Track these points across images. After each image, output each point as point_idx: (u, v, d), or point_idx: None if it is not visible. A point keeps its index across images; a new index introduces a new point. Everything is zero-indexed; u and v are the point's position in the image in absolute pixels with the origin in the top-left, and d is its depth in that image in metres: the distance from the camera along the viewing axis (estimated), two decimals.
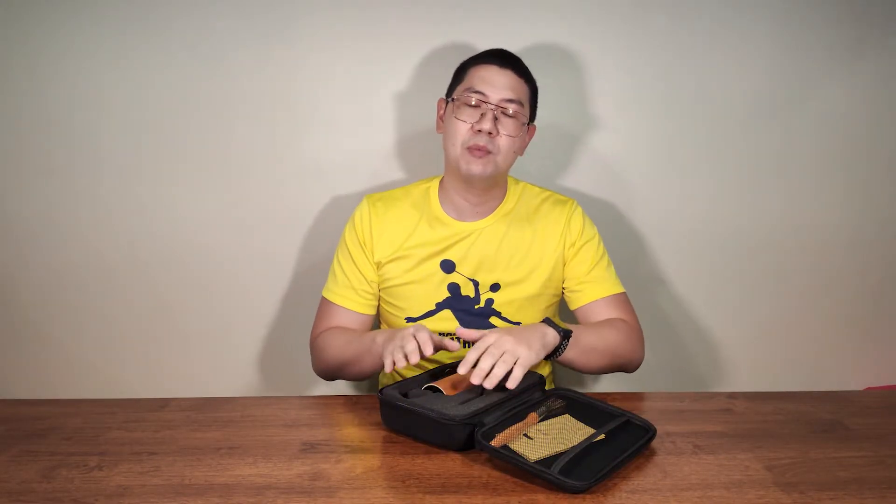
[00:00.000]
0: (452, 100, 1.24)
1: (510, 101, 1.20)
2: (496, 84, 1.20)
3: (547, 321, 1.11)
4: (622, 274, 1.34)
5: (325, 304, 1.32)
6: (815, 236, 1.63)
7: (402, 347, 1.01)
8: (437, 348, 1.05)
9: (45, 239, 1.59)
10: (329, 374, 1.27)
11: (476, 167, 1.20)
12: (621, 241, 1.58)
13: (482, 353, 1.00)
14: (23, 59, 1.50)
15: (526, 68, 1.26)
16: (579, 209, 1.33)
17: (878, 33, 1.54)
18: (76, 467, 0.90)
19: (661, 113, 1.56)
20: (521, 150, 1.27)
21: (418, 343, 1.02)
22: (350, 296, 1.29)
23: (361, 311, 1.30)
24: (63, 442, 0.98)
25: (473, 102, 1.20)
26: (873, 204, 1.62)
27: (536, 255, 1.28)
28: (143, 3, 1.48)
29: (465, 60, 1.28)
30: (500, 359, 0.99)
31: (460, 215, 1.29)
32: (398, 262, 1.28)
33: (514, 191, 1.33)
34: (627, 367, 1.25)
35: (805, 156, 1.59)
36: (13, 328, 1.64)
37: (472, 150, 1.19)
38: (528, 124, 1.26)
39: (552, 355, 1.09)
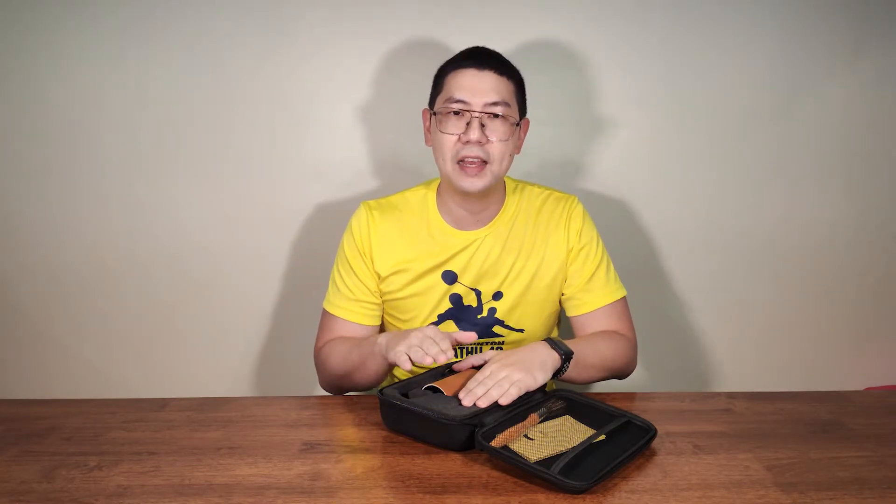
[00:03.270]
0: (434, 113, 1.19)
1: (495, 103, 1.14)
2: (477, 88, 1.14)
3: (549, 341, 1.09)
4: (623, 273, 1.34)
5: (327, 317, 1.28)
6: (815, 236, 1.63)
7: (422, 347, 1.01)
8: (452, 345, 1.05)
9: (45, 239, 1.59)
10: (335, 386, 1.23)
11: (471, 183, 1.16)
12: (622, 241, 1.58)
13: (478, 384, 1.00)
14: (23, 59, 1.50)
15: (507, 63, 1.18)
16: (579, 207, 1.29)
17: (878, 33, 1.54)
18: (76, 467, 0.90)
19: (660, 113, 1.56)
20: (517, 149, 1.23)
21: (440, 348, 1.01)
22: (353, 308, 1.26)
23: (366, 322, 1.27)
24: (63, 442, 0.98)
25: (456, 112, 1.14)
26: (873, 204, 1.63)
27: (538, 259, 1.26)
28: (142, 4, 1.48)
29: (441, 66, 1.22)
30: (495, 384, 0.99)
31: (460, 224, 1.26)
32: (399, 276, 1.25)
33: (513, 195, 1.29)
34: (620, 376, 1.24)
35: (805, 156, 1.60)
36: (13, 328, 1.64)
37: (465, 165, 1.15)
38: (519, 122, 1.20)
39: (554, 376, 1.07)
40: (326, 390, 1.27)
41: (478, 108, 1.14)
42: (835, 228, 1.63)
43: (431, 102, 1.23)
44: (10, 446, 0.97)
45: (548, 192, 1.31)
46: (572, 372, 1.10)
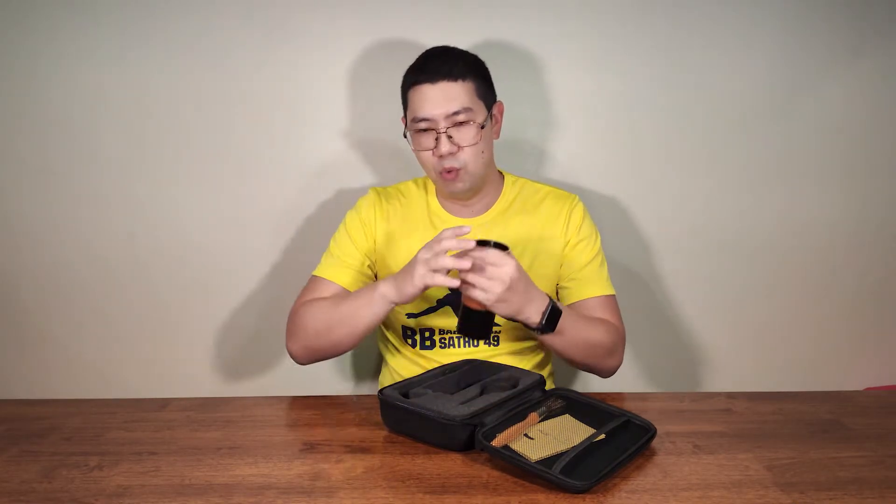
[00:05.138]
0: (407, 134, 1.23)
1: (456, 113, 1.16)
2: (435, 103, 1.16)
3: (551, 302, 1.09)
4: (622, 273, 1.34)
5: (313, 279, 1.29)
6: (814, 236, 1.63)
7: (435, 265, 1.03)
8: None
9: (45, 239, 1.59)
10: (309, 346, 1.21)
11: (454, 187, 1.21)
12: (621, 241, 1.58)
13: (479, 274, 1.02)
14: (23, 59, 1.50)
15: (458, 61, 1.18)
16: (581, 205, 1.31)
17: (878, 33, 1.54)
18: (76, 467, 0.90)
19: (660, 113, 1.56)
20: (496, 135, 1.27)
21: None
22: (342, 271, 1.27)
23: (350, 287, 1.26)
24: (63, 442, 0.98)
25: (424, 129, 1.18)
26: (873, 204, 1.62)
27: (535, 250, 1.28)
28: (143, 3, 1.48)
29: (402, 79, 1.23)
30: (482, 281, 1.01)
31: (459, 213, 1.30)
32: (401, 260, 1.27)
33: (511, 187, 1.32)
34: (601, 370, 1.23)
35: (805, 156, 1.60)
36: (13, 328, 1.64)
37: (445, 174, 1.19)
38: (489, 114, 1.22)
39: (531, 328, 1.09)
40: (294, 354, 1.23)
41: (441, 123, 1.16)
42: (835, 228, 1.63)
43: (404, 116, 1.26)
44: (10, 446, 0.97)
45: (549, 189, 1.34)
46: (554, 340, 1.11)
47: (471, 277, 1.02)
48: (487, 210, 1.30)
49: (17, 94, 1.52)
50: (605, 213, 1.57)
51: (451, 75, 1.17)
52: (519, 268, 1.04)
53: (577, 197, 1.33)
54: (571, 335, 1.13)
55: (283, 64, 1.52)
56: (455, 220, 1.29)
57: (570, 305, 1.28)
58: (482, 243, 1.04)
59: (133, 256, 1.60)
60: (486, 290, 1.02)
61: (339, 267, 1.28)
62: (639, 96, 1.55)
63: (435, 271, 1.04)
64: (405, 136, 1.24)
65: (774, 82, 1.55)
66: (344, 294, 1.23)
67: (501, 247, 1.04)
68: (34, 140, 1.54)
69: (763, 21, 1.52)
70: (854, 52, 1.54)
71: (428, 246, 1.06)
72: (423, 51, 1.24)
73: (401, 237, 1.29)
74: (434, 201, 1.32)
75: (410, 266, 1.08)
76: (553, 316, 1.08)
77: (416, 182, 1.36)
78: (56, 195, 1.57)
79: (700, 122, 1.57)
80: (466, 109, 1.17)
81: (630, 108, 1.56)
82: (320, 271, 1.29)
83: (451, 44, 1.26)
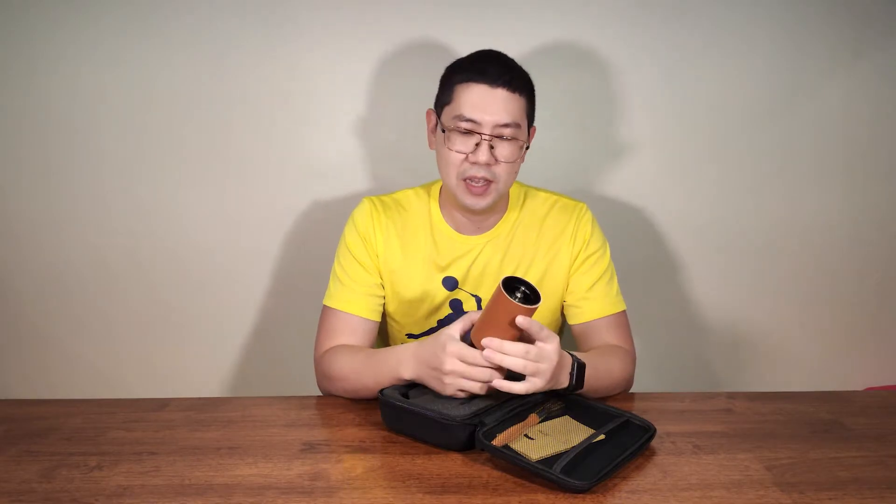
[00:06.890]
0: (443, 130, 1.14)
1: (506, 125, 1.10)
2: (488, 109, 1.09)
3: (574, 359, 1.01)
4: (623, 274, 1.33)
5: (329, 313, 1.21)
6: (815, 236, 1.63)
7: (463, 384, 0.96)
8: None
9: (45, 239, 1.59)
10: (336, 393, 1.17)
11: (475, 202, 1.14)
12: (621, 241, 1.58)
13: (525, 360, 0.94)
14: (23, 59, 1.50)
15: (518, 73, 1.13)
16: (588, 215, 1.26)
17: (878, 33, 1.54)
18: (76, 467, 0.90)
19: (661, 114, 1.56)
20: (521, 159, 1.19)
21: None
22: (356, 299, 1.21)
23: (368, 316, 1.21)
24: (63, 442, 0.98)
25: (465, 131, 1.11)
26: (873, 204, 1.63)
27: (542, 267, 1.24)
28: (143, 3, 1.48)
29: (450, 68, 1.17)
30: (532, 366, 0.94)
31: (462, 229, 1.24)
32: (400, 277, 1.24)
33: (517, 200, 1.26)
34: (616, 394, 1.18)
35: (805, 156, 1.60)
36: (13, 328, 1.64)
37: (470, 184, 1.12)
38: (528, 138, 1.17)
39: (560, 392, 1.04)
40: (324, 393, 1.23)
41: (488, 130, 1.10)
42: (835, 229, 1.63)
43: (437, 106, 1.18)
44: (10, 446, 0.97)
45: (555, 198, 1.28)
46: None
47: (520, 368, 0.93)
48: (493, 227, 1.24)
49: (17, 94, 1.52)
50: (605, 214, 1.56)
51: (511, 85, 1.10)
52: (551, 347, 0.95)
53: (585, 205, 1.27)
54: (594, 381, 1.07)
55: (284, 64, 1.52)
56: (459, 238, 1.23)
57: (579, 325, 1.23)
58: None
59: (133, 256, 1.60)
60: (537, 373, 0.94)
61: (352, 294, 1.21)
62: (639, 97, 1.55)
63: (464, 389, 0.97)
64: (435, 112, 1.16)
65: (774, 82, 1.56)
66: (363, 333, 1.20)
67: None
68: (34, 140, 1.54)
69: (763, 21, 1.52)
70: (854, 53, 1.54)
71: (460, 356, 0.95)
72: (476, 50, 1.17)
73: (400, 251, 1.23)
74: (437, 214, 1.25)
75: (438, 370, 0.97)
76: (580, 372, 1.02)
77: (415, 192, 1.28)
78: (56, 195, 1.57)
79: (700, 122, 1.57)
80: (516, 125, 1.11)
81: (630, 110, 1.56)
82: (334, 302, 1.21)
83: (451, 43, 1.25)
